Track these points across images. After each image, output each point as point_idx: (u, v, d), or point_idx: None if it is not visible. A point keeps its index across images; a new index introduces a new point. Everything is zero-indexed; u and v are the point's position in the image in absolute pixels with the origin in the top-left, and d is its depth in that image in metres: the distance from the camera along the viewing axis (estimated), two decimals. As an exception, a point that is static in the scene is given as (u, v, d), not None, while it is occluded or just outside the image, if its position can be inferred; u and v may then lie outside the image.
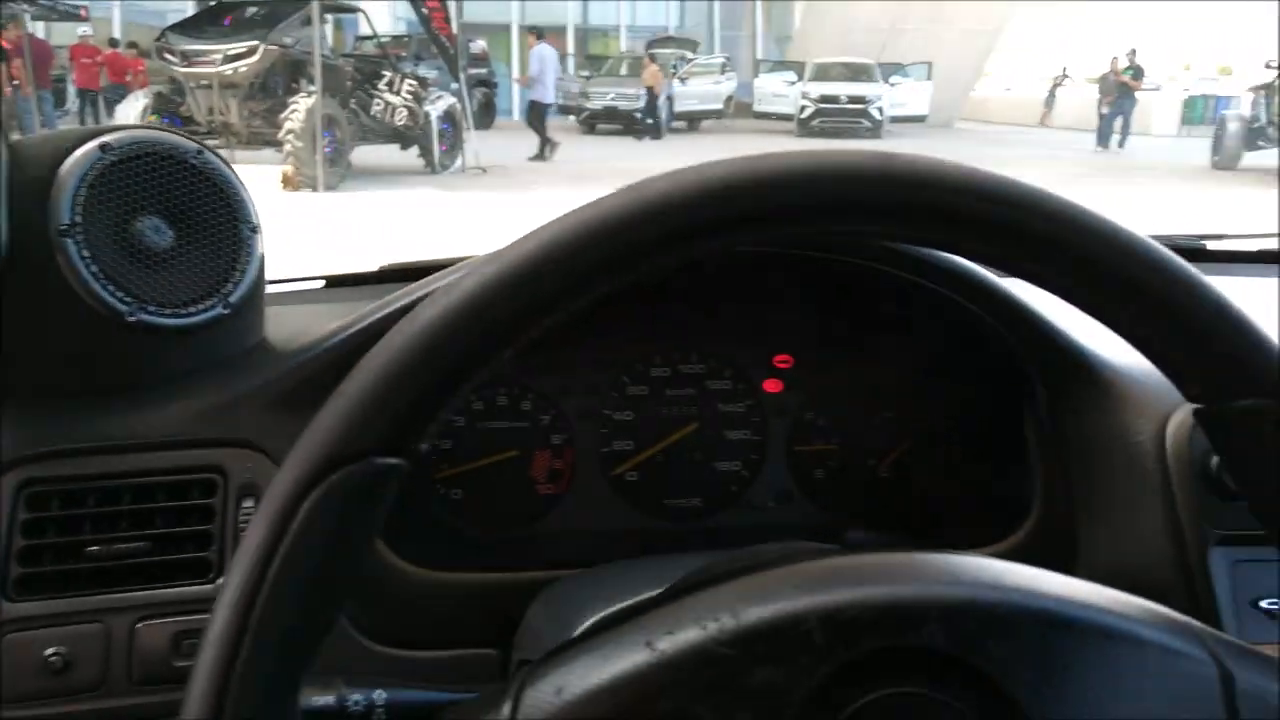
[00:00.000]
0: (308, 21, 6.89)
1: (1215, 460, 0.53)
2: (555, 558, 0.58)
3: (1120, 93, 11.23)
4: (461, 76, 8.09)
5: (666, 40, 16.15)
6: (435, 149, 7.64)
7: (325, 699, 0.37)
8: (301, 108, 6.48)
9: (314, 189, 6.46)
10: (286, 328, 0.60)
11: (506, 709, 0.30)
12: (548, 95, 9.27)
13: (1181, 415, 0.55)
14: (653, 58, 12.54)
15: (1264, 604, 0.52)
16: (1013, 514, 0.62)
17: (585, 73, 14.02)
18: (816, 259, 0.58)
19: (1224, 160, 8.77)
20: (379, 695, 0.38)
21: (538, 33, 9.63)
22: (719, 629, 0.30)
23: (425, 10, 7.64)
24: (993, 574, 0.33)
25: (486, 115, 11.90)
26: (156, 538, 0.50)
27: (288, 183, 6.43)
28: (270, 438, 0.53)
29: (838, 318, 0.67)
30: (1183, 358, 0.35)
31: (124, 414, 0.52)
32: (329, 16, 8.12)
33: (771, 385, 0.70)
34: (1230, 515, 0.53)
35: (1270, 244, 0.97)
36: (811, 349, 0.69)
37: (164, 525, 0.51)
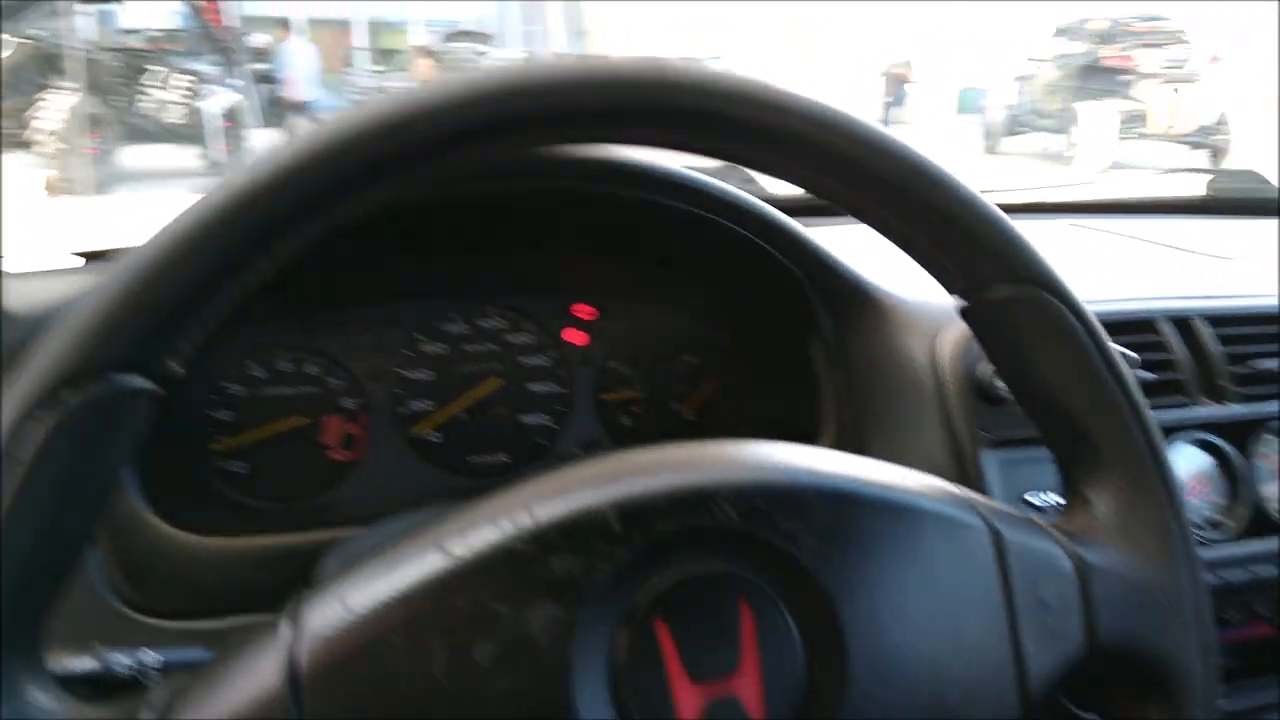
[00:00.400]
0: (60, 12, 6.29)
1: (982, 369, 0.57)
2: (353, 518, 0.55)
3: (897, 84, 12.14)
4: (241, 72, 7.63)
5: (461, 34, 15.90)
6: (214, 148, 7.17)
7: (84, 663, 0.33)
8: (59, 106, 5.93)
9: (80, 193, 5.93)
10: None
11: (285, 630, 0.28)
12: (299, 92, 9.00)
13: (949, 332, 0.59)
14: (440, 52, 12.36)
15: (1028, 497, 0.57)
16: (810, 442, 0.64)
17: (379, 67, 13.65)
18: (602, 198, 0.57)
19: (991, 144, 9.57)
20: (150, 657, 0.34)
21: (285, 26, 9.32)
22: (513, 527, 0.29)
23: (195, 2, 7.16)
24: (780, 456, 0.33)
25: (275, 113, 11.32)
26: None
27: (51, 187, 5.86)
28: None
29: (631, 262, 0.68)
30: (943, 253, 0.37)
31: None
32: (89, 7, 7.46)
33: (572, 336, 0.69)
34: (1001, 420, 0.57)
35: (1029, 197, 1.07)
36: (609, 297, 0.69)
37: None
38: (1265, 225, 1.00)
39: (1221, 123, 7.21)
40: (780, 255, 0.60)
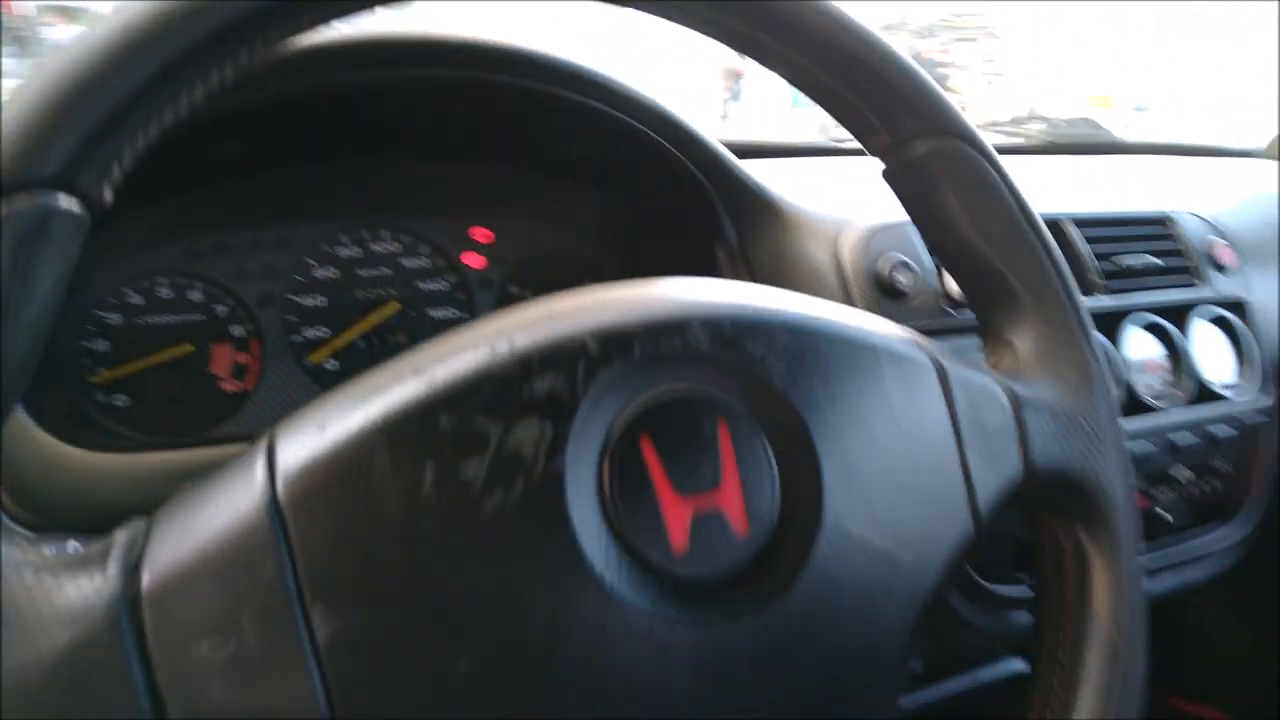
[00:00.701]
0: None
1: (881, 265, 0.60)
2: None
3: (734, 80, 12.57)
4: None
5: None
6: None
7: None
8: None
9: None
10: None
11: (260, 467, 0.26)
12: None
13: (849, 235, 0.61)
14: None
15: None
16: None
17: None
18: (495, 93, 0.56)
19: (825, 134, 9.99)
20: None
21: (76, 15, 8.70)
22: (493, 351, 0.28)
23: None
24: (746, 291, 0.34)
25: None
26: None
27: None
28: None
29: (528, 175, 0.66)
30: (866, 106, 0.38)
31: None
32: None
33: (471, 259, 0.67)
34: (901, 313, 0.60)
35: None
36: (506, 219, 0.68)
37: None
38: (1102, 161, 1.09)
39: (1032, 115, 7.80)
40: (685, 159, 0.60)
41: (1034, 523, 0.40)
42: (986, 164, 0.39)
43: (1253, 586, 1.43)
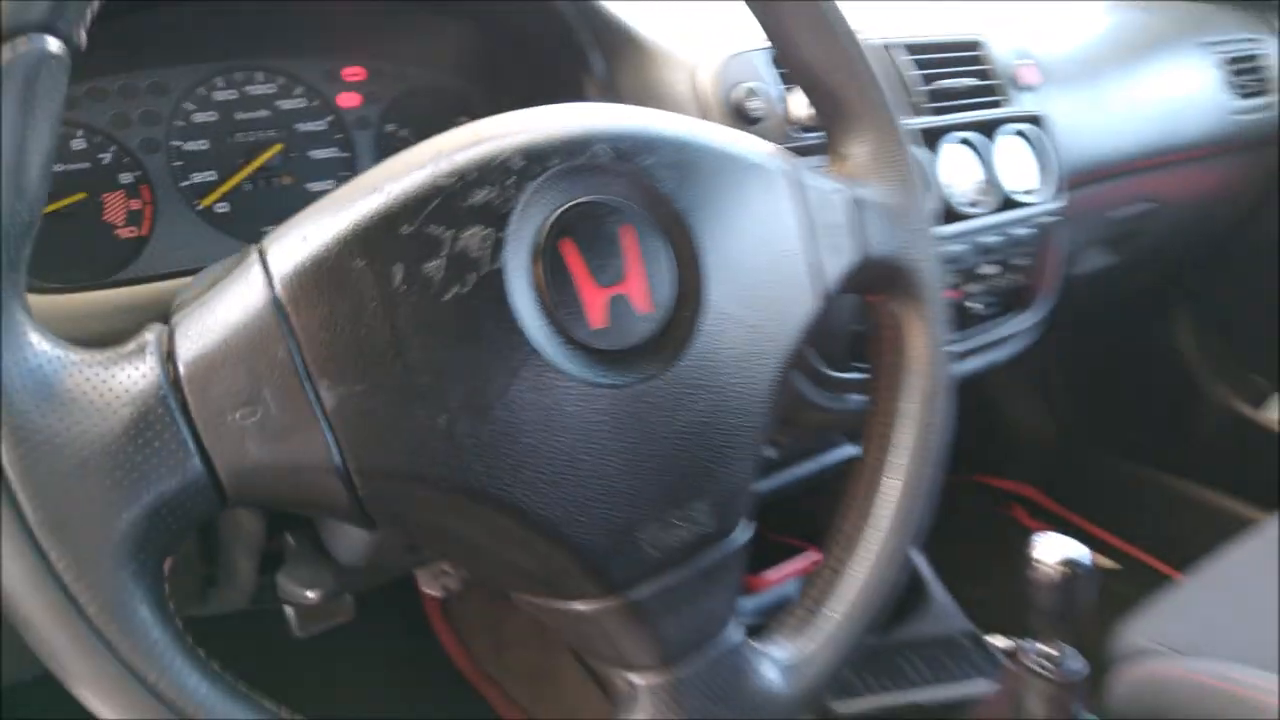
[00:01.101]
0: None
1: (736, 94, 0.66)
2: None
3: None
4: None
5: None
6: None
7: None
8: None
9: None
10: None
11: (257, 271, 0.31)
12: None
13: (707, 67, 0.67)
14: None
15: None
16: None
17: None
18: None
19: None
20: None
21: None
22: (435, 169, 0.33)
23: None
24: (640, 114, 0.40)
25: None
26: None
27: None
28: None
29: (401, 15, 0.68)
30: None
31: None
32: None
33: (346, 100, 0.70)
34: (760, 132, 0.67)
35: None
36: (378, 58, 0.70)
37: None
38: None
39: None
40: (555, 10, 0.64)
41: (865, 301, 0.49)
42: (826, 7, 0.46)
43: (1043, 366, 1.65)
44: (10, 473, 0.28)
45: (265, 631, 0.92)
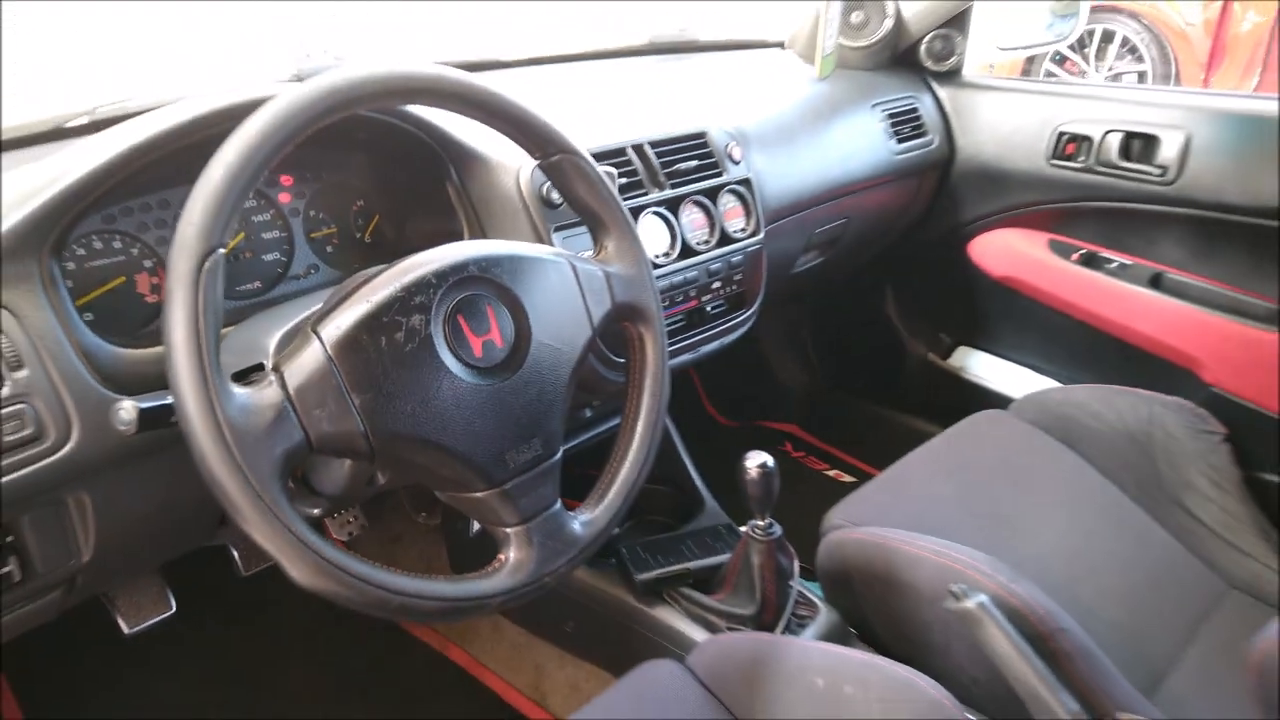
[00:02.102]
0: None
1: (545, 188, 1.05)
2: None
3: None
4: None
5: None
6: None
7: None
8: None
9: None
10: None
11: (315, 340, 0.68)
12: None
13: (524, 172, 1.04)
14: None
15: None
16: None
17: None
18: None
19: None
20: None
21: None
22: (394, 287, 0.71)
23: None
24: (490, 244, 0.78)
25: None
26: None
27: None
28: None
29: (323, 148, 1.03)
30: (526, 140, 0.82)
31: None
32: None
33: (282, 197, 1.04)
34: (557, 215, 1.05)
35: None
36: (304, 169, 1.05)
37: None
38: (692, 60, 1.60)
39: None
40: (422, 135, 1.01)
41: (621, 326, 0.90)
42: (584, 164, 0.86)
43: (801, 335, 2.14)
44: (230, 439, 0.63)
45: (223, 567, 1.26)
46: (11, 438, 0.73)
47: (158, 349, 0.85)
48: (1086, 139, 1.56)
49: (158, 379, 0.79)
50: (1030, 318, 1.73)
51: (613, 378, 1.12)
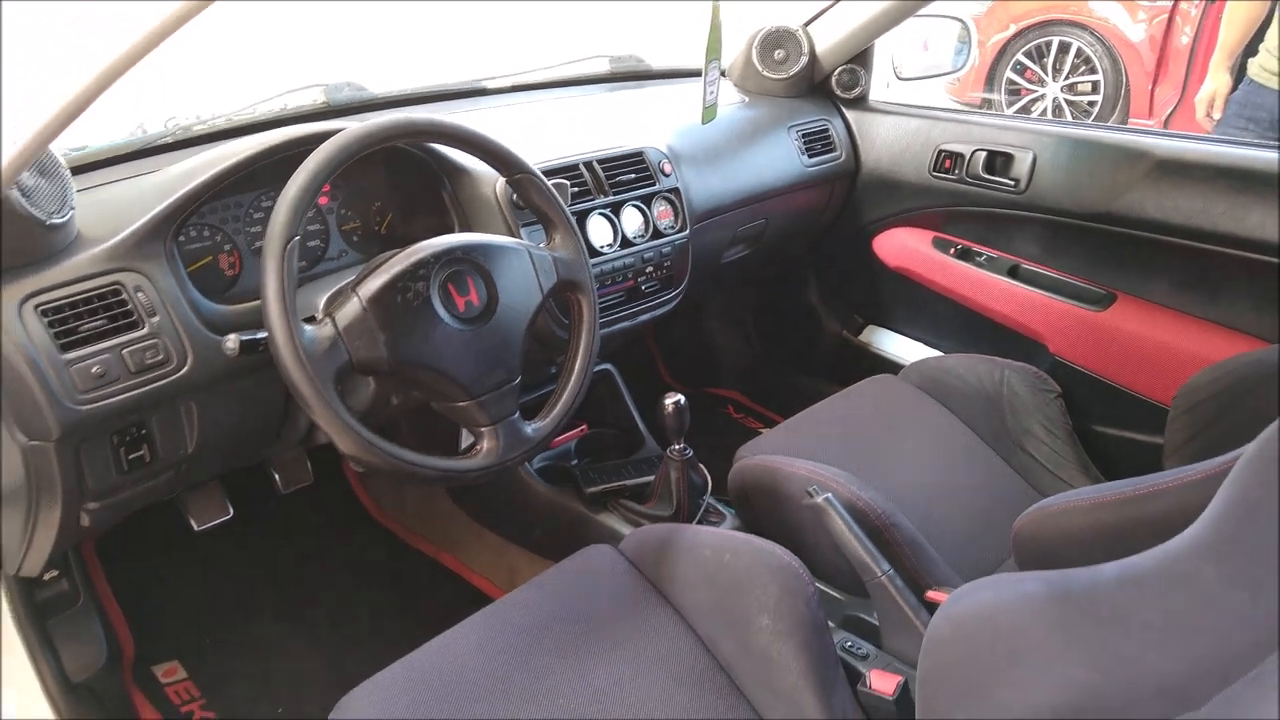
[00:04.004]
0: None
1: (514, 196, 1.41)
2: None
3: None
4: None
5: None
6: None
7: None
8: None
9: None
10: (103, 204, 1.15)
11: (355, 298, 1.06)
12: None
13: (499, 184, 1.41)
14: None
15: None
16: None
17: None
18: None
19: None
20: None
21: None
22: (405, 263, 1.09)
23: None
24: (469, 236, 1.16)
25: None
26: (111, 317, 1.08)
27: None
28: (134, 262, 1.11)
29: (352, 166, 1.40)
30: (492, 161, 1.20)
31: (56, 266, 1.06)
32: None
33: (322, 200, 1.41)
34: (522, 215, 1.42)
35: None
36: (338, 178, 1.42)
37: (105, 312, 1.08)
38: (640, 88, 1.97)
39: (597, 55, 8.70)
40: (425, 156, 1.38)
41: (565, 296, 1.27)
42: (538, 180, 1.23)
43: (742, 315, 2.52)
44: (303, 357, 1.00)
45: (267, 488, 1.64)
46: (149, 361, 1.09)
47: (237, 306, 1.22)
48: (959, 155, 1.93)
49: (239, 324, 1.16)
50: (920, 301, 2.10)
51: (564, 335, 1.50)
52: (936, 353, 2.10)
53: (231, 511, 1.57)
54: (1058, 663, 0.77)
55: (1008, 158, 1.88)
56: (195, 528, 1.55)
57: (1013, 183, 1.86)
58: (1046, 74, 5.38)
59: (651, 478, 1.62)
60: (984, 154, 1.90)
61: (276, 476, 1.65)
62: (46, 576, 1.28)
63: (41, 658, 1.23)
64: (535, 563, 1.74)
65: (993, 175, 1.89)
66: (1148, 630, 0.73)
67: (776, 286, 2.44)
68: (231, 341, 1.05)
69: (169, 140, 1.40)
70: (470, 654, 1.10)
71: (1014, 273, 1.94)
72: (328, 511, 1.98)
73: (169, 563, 1.79)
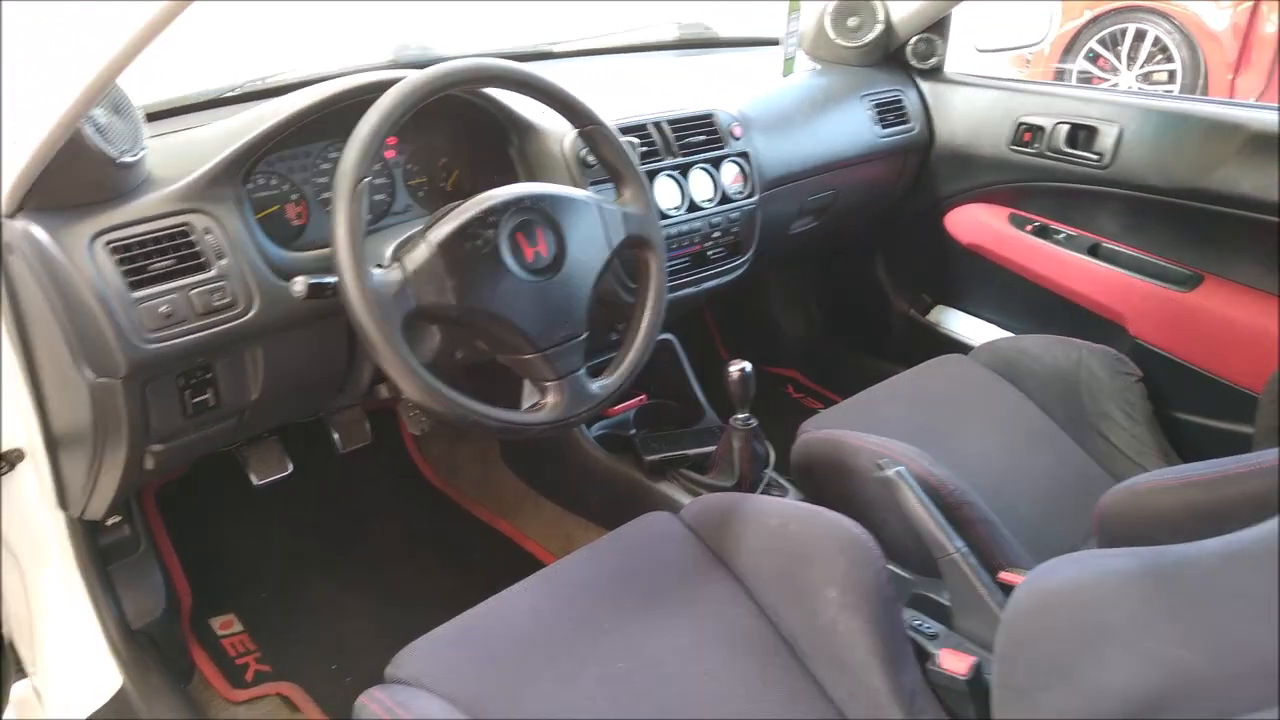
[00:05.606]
0: None
1: (581, 152, 1.38)
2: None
3: None
4: None
5: None
6: None
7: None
8: None
9: None
10: (174, 148, 1.14)
11: (424, 242, 1.03)
12: None
13: (566, 139, 1.39)
14: None
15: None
16: None
17: None
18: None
19: None
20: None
21: None
22: (476, 210, 1.06)
23: None
24: (543, 186, 1.13)
25: None
26: (180, 257, 1.07)
27: None
28: (204, 204, 1.11)
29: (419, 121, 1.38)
30: (564, 110, 1.17)
31: (127, 204, 1.06)
32: None
33: (388, 154, 1.39)
34: (591, 173, 1.39)
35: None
36: (403, 131, 1.40)
37: (174, 253, 1.07)
38: (709, 54, 1.93)
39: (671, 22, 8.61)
40: (492, 111, 1.36)
41: (634, 253, 1.24)
42: (609, 131, 1.20)
43: (803, 289, 2.47)
44: (372, 300, 0.98)
45: (326, 446, 1.63)
46: (217, 304, 1.08)
47: (303, 253, 1.20)
48: (1040, 128, 1.86)
49: (305, 272, 1.14)
50: (992, 279, 2.03)
51: (629, 300, 1.47)
52: (1006, 333, 2.03)
53: (291, 468, 1.57)
54: (1149, 640, 0.73)
55: (1091, 131, 1.80)
56: (255, 482, 1.55)
57: (1096, 157, 1.78)
58: (1120, 62, 5.20)
59: (711, 449, 1.59)
60: (1067, 127, 1.83)
61: (336, 436, 1.65)
62: (109, 522, 1.28)
63: (104, 602, 1.24)
64: (591, 530, 1.72)
65: (1075, 149, 1.82)
66: (1249, 607, 0.68)
67: (841, 262, 2.38)
68: (300, 284, 1.03)
69: (238, 93, 1.39)
70: (526, 614, 1.08)
71: (1094, 251, 1.86)
72: (384, 475, 1.98)
73: (226, 518, 1.81)
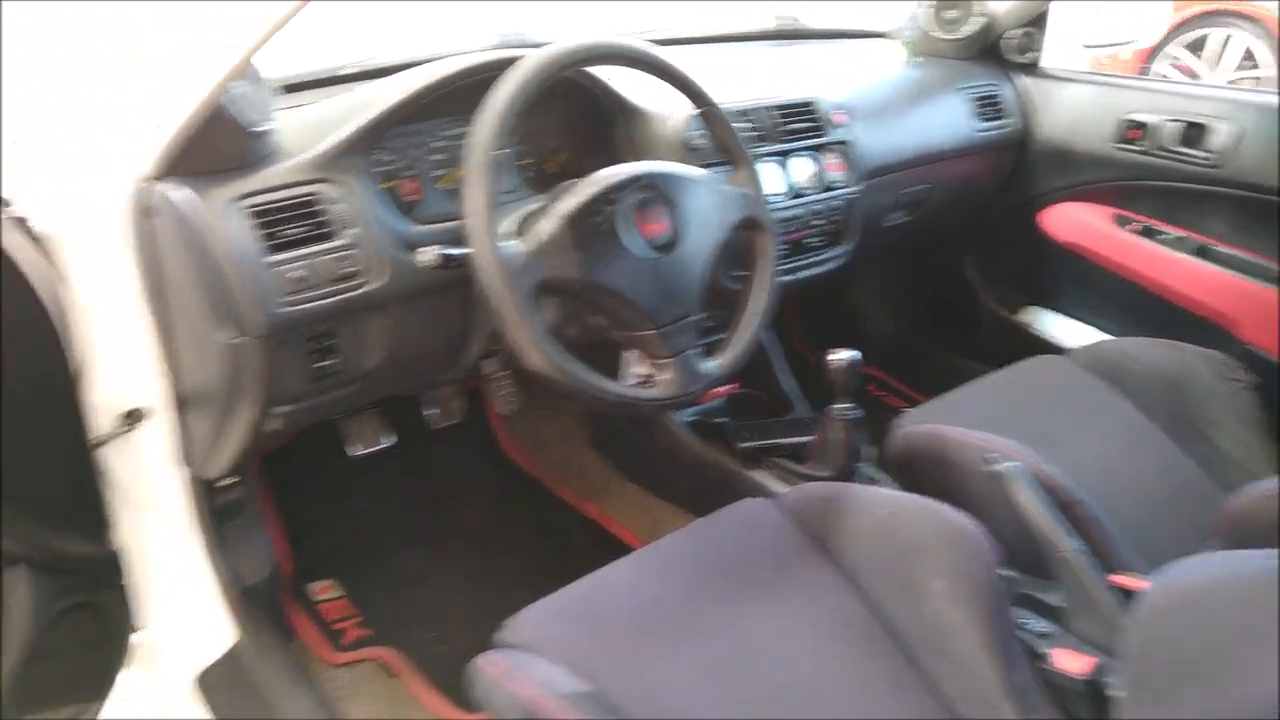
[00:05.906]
0: None
1: (686, 135, 1.39)
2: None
3: None
4: None
5: None
6: None
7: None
8: None
9: None
10: (300, 121, 1.18)
11: (556, 215, 1.05)
12: None
13: (673, 122, 1.39)
14: None
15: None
16: None
17: None
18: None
19: None
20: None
21: None
22: (596, 188, 1.08)
23: None
24: (658, 164, 1.15)
25: None
26: (310, 225, 1.10)
27: None
28: (333, 174, 1.13)
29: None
30: (682, 90, 1.18)
31: (259, 172, 1.09)
32: None
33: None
34: (698, 156, 1.39)
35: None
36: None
37: (305, 220, 1.10)
38: (808, 45, 1.93)
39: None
40: (600, 95, 1.37)
41: (746, 234, 1.24)
42: (721, 113, 1.21)
43: (887, 286, 2.45)
44: (503, 270, 1.00)
45: (416, 422, 1.66)
46: (343, 271, 1.11)
47: (418, 227, 1.23)
48: (1147, 126, 1.82)
49: (425, 244, 1.17)
50: (1091, 281, 1.99)
51: (731, 286, 1.47)
52: (1102, 335, 1.99)
53: (394, 439, 1.60)
54: None
55: (1201, 129, 1.76)
56: (355, 453, 1.58)
57: (1207, 156, 1.74)
58: (1209, 67, 5.04)
59: (802, 439, 1.58)
60: (1177, 124, 1.78)
61: (432, 411, 1.68)
62: (224, 483, 1.32)
63: (219, 560, 1.27)
64: (679, 516, 1.72)
65: (1185, 148, 1.77)
66: None
67: (932, 258, 2.35)
68: (431, 254, 1.06)
69: (358, 71, 1.43)
70: (629, 591, 1.09)
71: (1203, 253, 1.81)
72: (473, 453, 2.01)
73: (324, 487, 1.85)
